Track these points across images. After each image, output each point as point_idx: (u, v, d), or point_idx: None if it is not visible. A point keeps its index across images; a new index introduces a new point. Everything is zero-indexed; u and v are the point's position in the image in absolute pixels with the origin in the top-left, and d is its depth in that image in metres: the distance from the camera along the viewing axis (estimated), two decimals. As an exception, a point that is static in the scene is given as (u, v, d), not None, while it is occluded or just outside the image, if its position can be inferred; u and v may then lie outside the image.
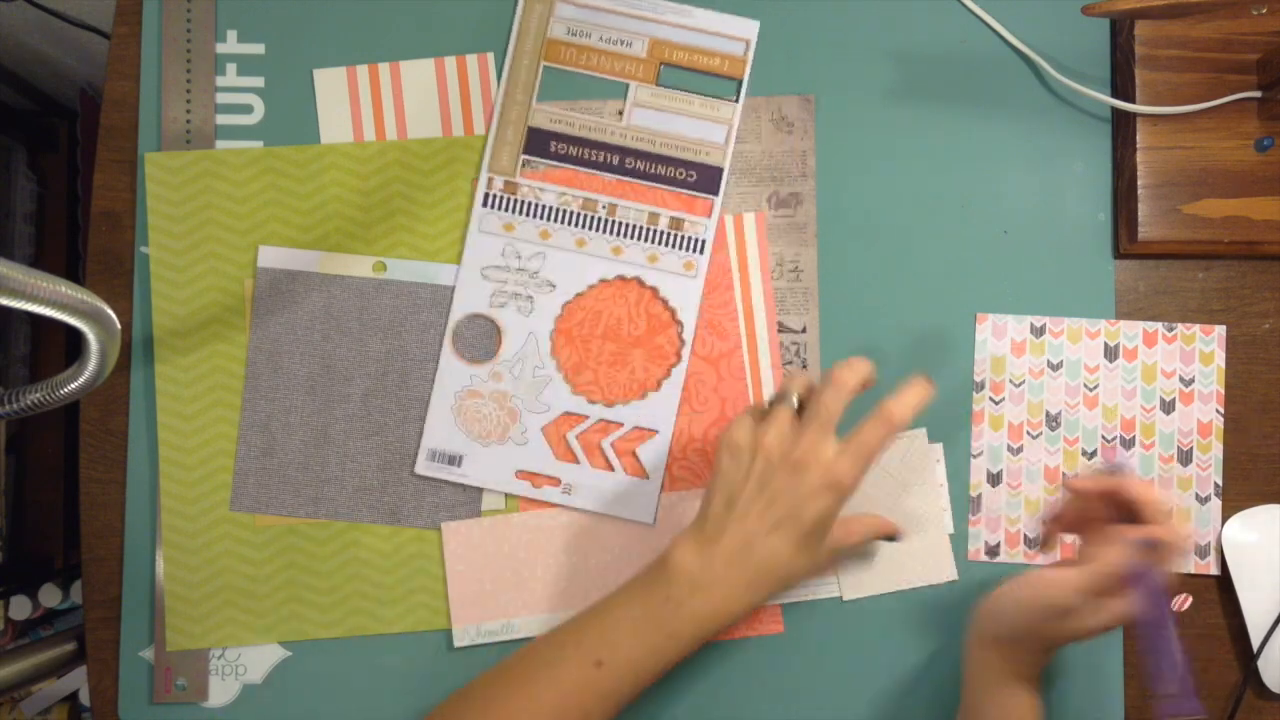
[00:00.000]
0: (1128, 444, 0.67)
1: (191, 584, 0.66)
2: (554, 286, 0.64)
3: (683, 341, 0.63)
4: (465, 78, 0.68)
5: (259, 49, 0.69)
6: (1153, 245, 0.66)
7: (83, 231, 1.12)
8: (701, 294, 0.64)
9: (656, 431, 0.64)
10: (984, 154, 0.68)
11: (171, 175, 0.67)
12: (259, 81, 0.69)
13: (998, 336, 0.67)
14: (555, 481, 0.64)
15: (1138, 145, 0.66)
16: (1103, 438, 0.67)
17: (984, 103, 0.69)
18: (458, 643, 0.65)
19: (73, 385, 0.51)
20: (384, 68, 0.68)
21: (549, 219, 0.65)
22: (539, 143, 0.65)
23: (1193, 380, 0.67)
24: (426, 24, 0.69)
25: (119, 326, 0.50)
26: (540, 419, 0.65)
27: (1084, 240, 0.68)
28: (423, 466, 0.65)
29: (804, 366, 0.67)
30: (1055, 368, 0.67)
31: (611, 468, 0.65)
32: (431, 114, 0.68)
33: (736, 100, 0.65)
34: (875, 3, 0.69)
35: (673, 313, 0.63)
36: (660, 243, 0.65)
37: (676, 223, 0.64)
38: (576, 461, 0.65)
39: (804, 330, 0.67)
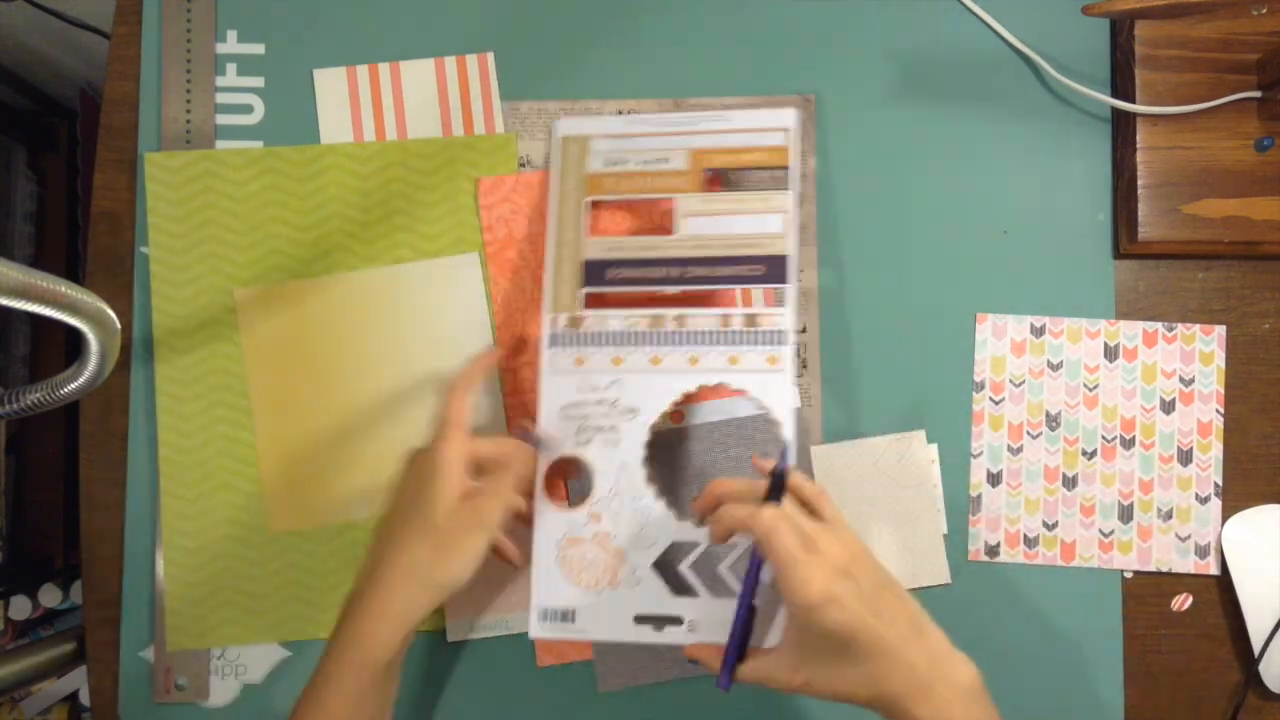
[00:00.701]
0: (1127, 444, 0.67)
1: (191, 584, 0.66)
2: (637, 411, 0.61)
3: (783, 441, 0.59)
4: (465, 78, 0.68)
5: (259, 49, 0.69)
6: (1153, 245, 0.66)
7: (83, 231, 1.12)
8: (792, 388, 0.60)
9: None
10: (984, 154, 0.68)
11: (171, 175, 0.67)
12: (259, 81, 0.69)
13: (998, 336, 0.67)
14: (678, 621, 0.59)
15: (1138, 145, 0.66)
16: (1102, 438, 0.67)
17: (984, 103, 0.69)
18: (451, 637, 0.65)
19: (73, 385, 0.51)
20: (384, 68, 0.68)
21: (619, 344, 0.62)
22: (596, 274, 0.63)
23: (1193, 380, 0.67)
24: (426, 24, 0.69)
25: (119, 326, 0.50)
26: (648, 554, 0.59)
27: (1084, 240, 0.68)
28: (536, 629, 0.60)
29: (804, 367, 0.67)
30: (1055, 368, 0.67)
31: (734, 593, 0.59)
32: (431, 114, 0.68)
33: (788, 188, 0.63)
34: (875, 3, 0.69)
35: (766, 412, 0.60)
36: (738, 343, 0.61)
37: (751, 319, 0.61)
38: (695, 595, 0.59)
39: (804, 330, 0.67)
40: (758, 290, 0.63)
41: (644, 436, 0.61)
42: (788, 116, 0.64)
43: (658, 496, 0.60)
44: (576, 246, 0.64)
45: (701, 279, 0.62)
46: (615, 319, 0.62)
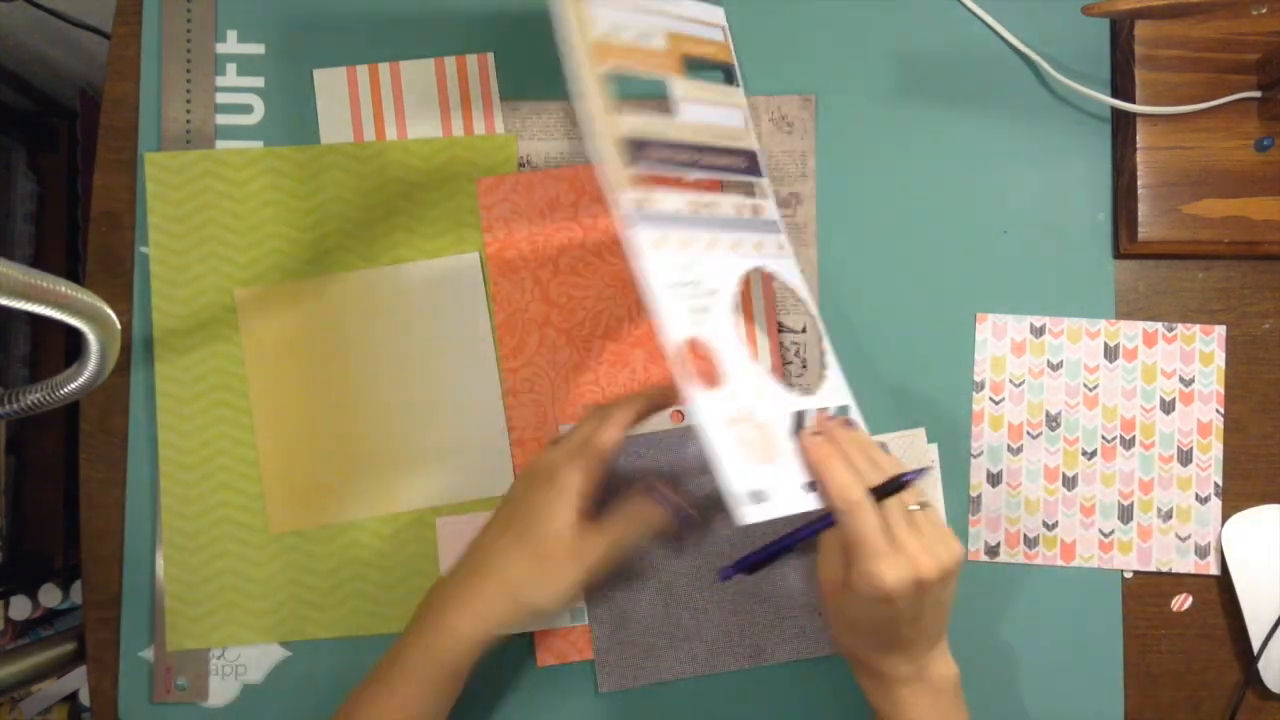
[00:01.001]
0: (1127, 444, 0.67)
1: (191, 584, 0.66)
2: (717, 291, 0.57)
3: (813, 317, 0.62)
4: (465, 78, 0.68)
5: (259, 49, 0.69)
6: (1153, 245, 0.66)
7: (83, 231, 1.12)
8: (799, 270, 0.61)
9: (848, 406, 0.60)
10: (984, 154, 0.68)
11: (171, 175, 0.67)
12: (259, 81, 0.69)
13: (998, 336, 0.67)
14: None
15: (1138, 145, 0.66)
16: (1102, 438, 0.67)
17: (984, 103, 0.69)
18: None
19: (73, 385, 0.51)
20: (384, 68, 0.68)
21: (684, 226, 0.57)
22: (638, 152, 0.57)
23: (1193, 380, 0.67)
24: (426, 24, 0.69)
25: (119, 326, 0.50)
26: (783, 428, 0.56)
27: (1084, 240, 0.68)
28: (751, 514, 0.52)
29: (804, 367, 0.67)
30: (1055, 368, 0.67)
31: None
32: (431, 114, 0.68)
33: (737, 85, 0.64)
34: (875, 3, 0.69)
35: (794, 293, 0.62)
36: (757, 230, 0.61)
37: (757, 209, 0.61)
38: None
39: (804, 330, 0.67)
40: (752, 181, 0.63)
41: (730, 317, 0.56)
42: (717, 13, 0.64)
43: (763, 372, 0.56)
44: (615, 120, 0.57)
45: (709, 166, 0.61)
46: (671, 200, 0.57)
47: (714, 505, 0.62)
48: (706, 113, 0.61)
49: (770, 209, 0.62)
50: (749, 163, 0.62)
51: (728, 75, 0.64)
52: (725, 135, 0.62)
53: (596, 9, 0.59)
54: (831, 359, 0.61)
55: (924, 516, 0.53)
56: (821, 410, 0.58)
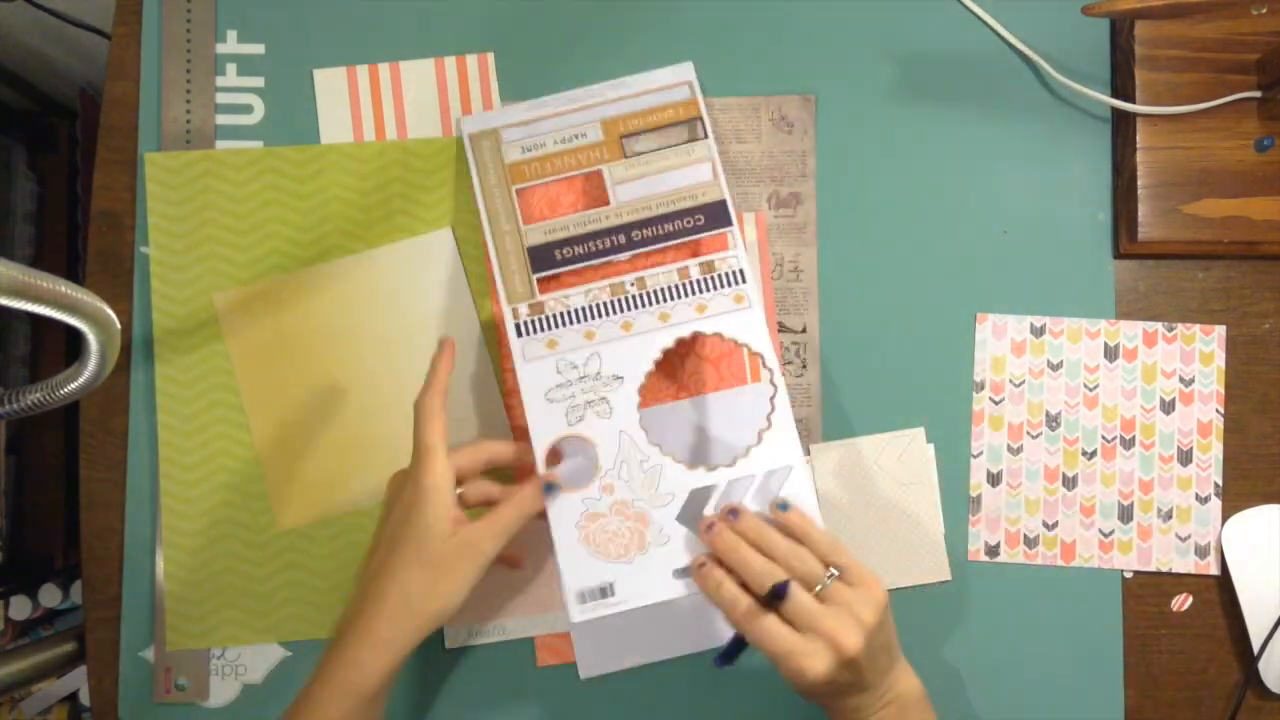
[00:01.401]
0: (1127, 444, 0.67)
1: (191, 584, 0.66)
2: (621, 378, 0.61)
3: (769, 369, 0.61)
4: (465, 78, 0.68)
5: (259, 49, 0.69)
6: (1153, 245, 0.66)
7: (83, 231, 1.12)
8: (764, 319, 0.62)
9: (791, 466, 0.60)
10: (984, 154, 0.68)
11: (171, 175, 0.67)
12: (259, 81, 0.69)
13: (998, 336, 0.67)
14: (718, 561, 0.58)
15: (1138, 145, 0.66)
16: (1102, 438, 0.67)
17: (984, 103, 0.69)
18: (449, 643, 0.65)
19: (73, 385, 0.51)
20: (384, 68, 0.68)
21: (587, 319, 0.62)
22: (543, 259, 0.64)
23: (1193, 380, 0.67)
24: (426, 24, 0.69)
25: (119, 326, 0.50)
26: (670, 510, 0.59)
27: (1084, 240, 0.68)
28: (577, 613, 0.58)
29: (804, 367, 0.67)
30: (1055, 368, 0.67)
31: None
32: (431, 114, 0.68)
33: (705, 136, 0.65)
34: (875, 3, 0.69)
35: (745, 347, 0.61)
36: (702, 290, 0.62)
37: (708, 266, 0.63)
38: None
39: (804, 330, 0.67)
40: (706, 239, 0.64)
41: (635, 400, 0.61)
42: (685, 71, 0.66)
43: (663, 454, 0.60)
44: (516, 237, 0.64)
45: (649, 239, 0.64)
46: (576, 296, 0.63)
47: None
48: (658, 182, 0.65)
49: (735, 259, 0.63)
50: (709, 217, 0.64)
51: (693, 130, 0.65)
52: (683, 196, 0.64)
53: (508, 135, 0.65)
54: (782, 417, 0.60)
55: (835, 588, 0.54)
56: (736, 481, 0.59)
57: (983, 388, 0.67)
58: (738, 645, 0.59)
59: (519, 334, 0.62)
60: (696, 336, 0.62)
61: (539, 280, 0.63)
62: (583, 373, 0.61)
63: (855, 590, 0.54)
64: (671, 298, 0.62)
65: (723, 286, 0.62)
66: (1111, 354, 0.67)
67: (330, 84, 0.68)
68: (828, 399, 0.67)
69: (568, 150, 0.65)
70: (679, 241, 0.64)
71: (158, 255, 0.67)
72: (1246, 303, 0.68)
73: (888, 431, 0.66)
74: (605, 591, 0.58)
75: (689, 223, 0.64)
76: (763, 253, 0.67)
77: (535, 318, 0.62)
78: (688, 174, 0.64)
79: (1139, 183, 0.66)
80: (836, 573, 0.55)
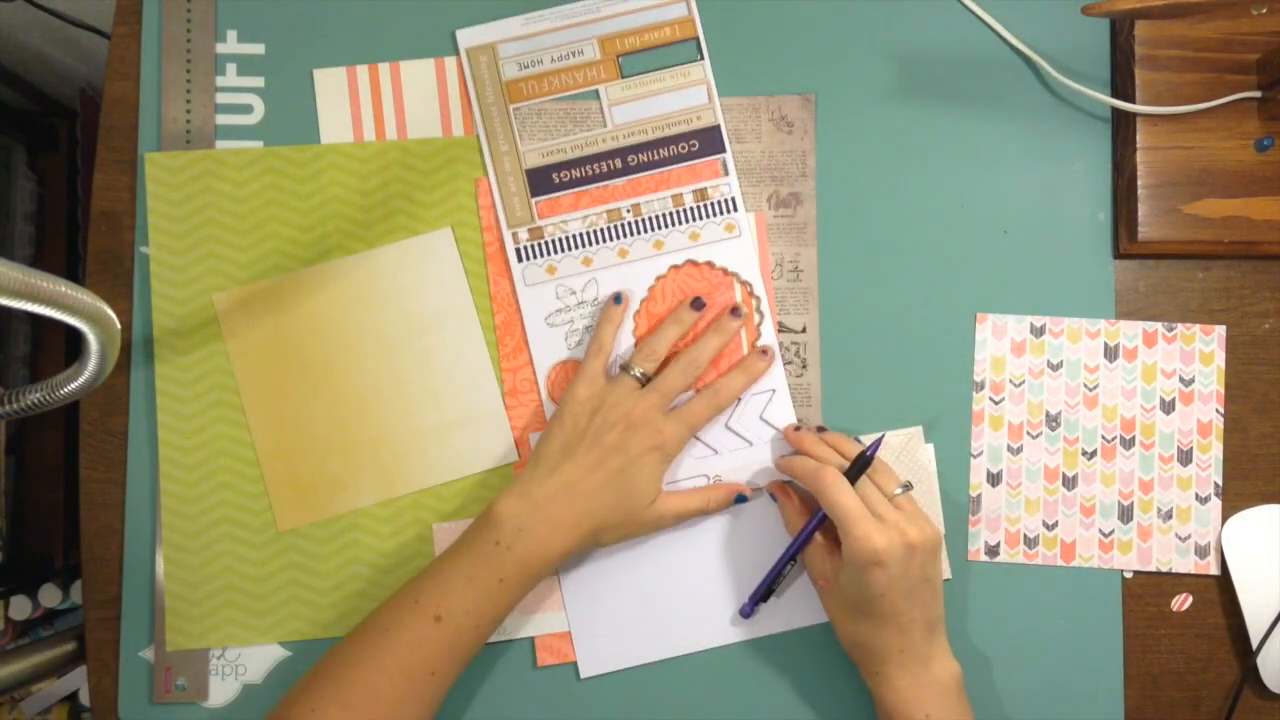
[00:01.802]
0: (1127, 444, 0.67)
1: (191, 584, 0.66)
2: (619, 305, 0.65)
3: (757, 298, 0.64)
4: (465, 78, 0.68)
5: (259, 49, 0.69)
6: (1153, 245, 0.66)
7: (83, 231, 1.12)
8: (756, 247, 0.65)
9: (773, 390, 0.65)
10: (984, 154, 0.68)
11: (171, 175, 0.67)
12: (259, 81, 0.69)
13: (998, 336, 0.67)
14: (704, 477, 0.65)
15: (1138, 145, 0.66)
16: (1102, 438, 0.67)
17: (984, 103, 0.69)
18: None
19: (73, 385, 0.51)
20: (384, 68, 0.68)
21: (584, 245, 0.65)
22: (541, 181, 0.65)
23: (1193, 380, 0.67)
24: (426, 24, 0.69)
25: (119, 326, 0.50)
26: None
27: (1084, 240, 0.68)
28: None
29: (804, 367, 0.67)
30: (1055, 368, 0.67)
31: (750, 442, 0.65)
32: (431, 114, 0.68)
33: (702, 57, 0.66)
34: (875, 3, 0.69)
35: (735, 276, 0.64)
36: (695, 219, 0.65)
37: (701, 194, 0.65)
38: (716, 452, 0.65)
39: (804, 330, 0.67)
40: (699, 164, 0.66)
41: (630, 325, 0.64)
42: None
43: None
44: (515, 158, 0.65)
45: (644, 165, 0.65)
46: (574, 221, 0.65)
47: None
48: (654, 105, 0.66)
49: (727, 186, 0.65)
50: (704, 142, 0.65)
51: (690, 50, 0.66)
52: (678, 120, 0.66)
53: (505, 50, 0.66)
54: (767, 344, 0.65)
55: (905, 499, 0.60)
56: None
57: (983, 388, 0.67)
58: (772, 577, 0.63)
59: (519, 259, 0.65)
60: (688, 264, 0.64)
61: (538, 204, 0.65)
62: (581, 298, 0.65)
63: (920, 511, 0.61)
64: (666, 225, 0.65)
65: (715, 215, 0.65)
66: (1111, 354, 0.67)
67: (330, 84, 0.68)
68: (828, 399, 0.67)
69: (564, 68, 0.66)
70: (674, 167, 0.65)
71: (158, 255, 0.67)
72: (1246, 303, 0.68)
73: (887, 432, 0.66)
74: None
75: (684, 148, 0.66)
76: (763, 253, 0.67)
77: (535, 243, 0.65)
78: (684, 96, 0.66)
79: (1139, 183, 0.66)
80: (909, 487, 0.61)
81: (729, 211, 0.65)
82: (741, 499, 0.64)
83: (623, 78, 0.66)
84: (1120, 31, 0.68)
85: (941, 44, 0.69)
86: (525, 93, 0.66)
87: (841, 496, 0.58)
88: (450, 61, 0.68)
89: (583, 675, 0.65)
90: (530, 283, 0.64)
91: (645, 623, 0.65)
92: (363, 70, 0.68)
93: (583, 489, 0.60)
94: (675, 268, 0.64)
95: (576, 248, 0.65)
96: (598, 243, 0.65)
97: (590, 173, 0.65)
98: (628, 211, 0.65)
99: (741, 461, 0.65)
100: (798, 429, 0.65)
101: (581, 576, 0.65)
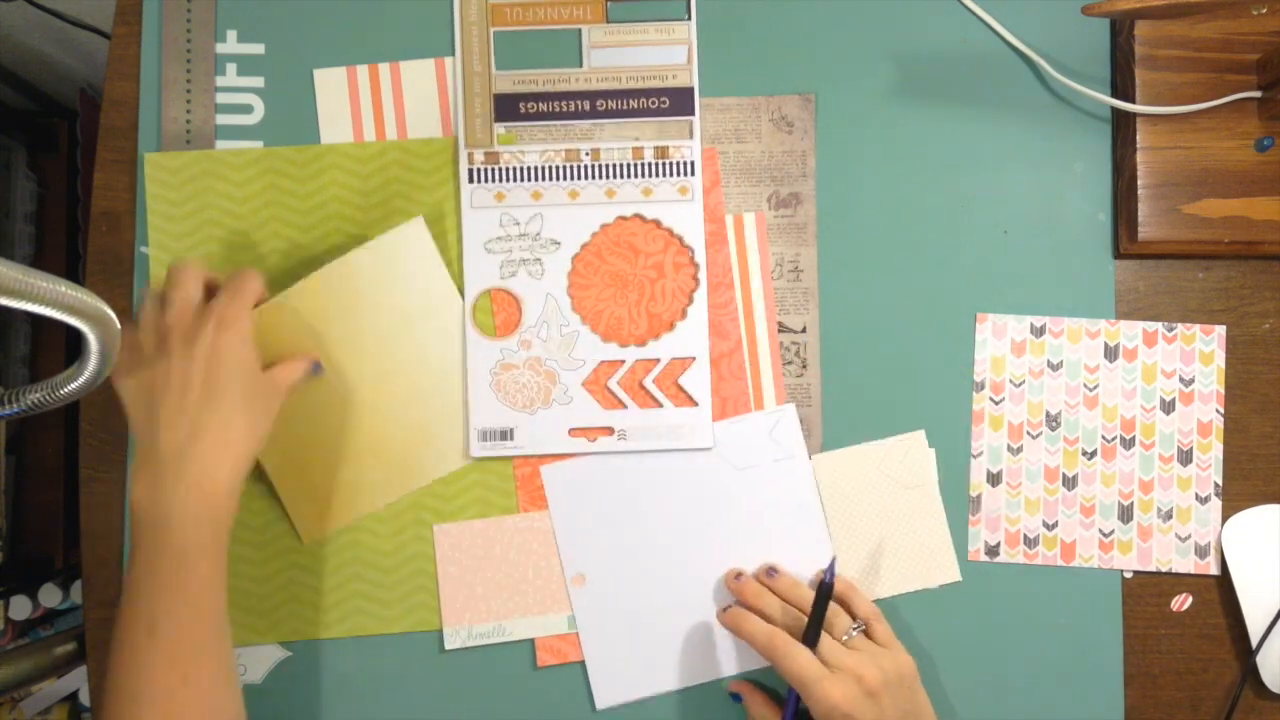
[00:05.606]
0: (1127, 444, 0.67)
1: (191, 584, 0.66)
2: (559, 244, 0.65)
3: (696, 265, 0.64)
4: None
5: (259, 49, 0.69)
6: (1153, 245, 0.66)
7: (83, 231, 1.12)
8: (703, 215, 0.65)
9: (694, 358, 0.65)
10: (984, 154, 0.68)
11: (171, 175, 0.67)
12: (259, 81, 0.69)
13: (998, 336, 0.67)
14: (609, 431, 0.65)
15: (1138, 145, 0.66)
16: (1102, 438, 0.67)
17: (984, 103, 0.69)
18: (449, 644, 0.65)
19: (73, 385, 0.51)
20: (384, 68, 0.68)
21: (537, 179, 0.65)
22: (508, 107, 0.66)
23: (1193, 380, 0.67)
24: (426, 24, 0.69)
25: (119, 326, 0.50)
26: (578, 375, 0.65)
27: (1084, 240, 0.68)
28: (477, 449, 0.65)
29: (804, 367, 0.67)
30: (1055, 368, 0.67)
31: (660, 404, 0.65)
32: (431, 114, 0.68)
33: (689, 17, 0.66)
34: (875, 3, 0.69)
35: (679, 239, 0.64)
36: (651, 175, 0.65)
37: (661, 150, 0.65)
38: (624, 406, 0.65)
39: (804, 330, 0.67)
40: (664, 122, 0.66)
41: (567, 267, 0.64)
42: None
43: (583, 321, 0.64)
44: (486, 80, 0.65)
45: (611, 112, 0.65)
46: (532, 153, 0.65)
47: None
48: (632, 54, 0.66)
49: (689, 149, 0.65)
50: (675, 101, 0.66)
51: (680, 8, 0.66)
52: (653, 74, 0.66)
53: None
54: (698, 310, 0.65)
55: (859, 640, 0.60)
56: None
57: (983, 388, 0.67)
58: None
59: (470, 179, 0.65)
60: (636, 218, 0.65)
61: (499, 130, 0.65)
62: (523, 230, 0.65)
63: (882, 646, 0.60)
64: (621, 175, 0.65)
65: (671, 175, 0.65)
66: (1111, 354, 0.67)
67: (330, 84, 0.68)
68: (828, 399, 0.67)
69: (552, 1, 0.66)
70: (640, 120, 0.65)
71: (158, 255, 0.67)
72: (1246, 303, 0.68)
73: (887, 431, 0.66)
74: (505, 435, 0.64)
75: (654, 103, 0.66)
76: (763, 253, 0.67)
77: (490, 166, 0.65)
78: (664, 52, 0.66)
79: (1139, 183, 0.66)
80: (863, 626, 0.60)
81: (686, 175, 0.65)
82: (317, 368, 0.64)
83: (608, 22, 0.66)
84: (1120, 31, 0.68)
85: (942, 44, 0.69)
86: (509, 18, 0.66)
87: (793, 663, 0.56)
88: (450, 61, 0.68)
89: (599, 707, 0.65)
90: (476, 205, 0.65)
91: (660, 652, 0.65)
92: (363, 70, 0.68)
93: (209, 415, 0.57)
94: (623, 219, 0.65)
95: (529, 180, 0.65)
96: (551, 179, 0.65)
97: (557, 109, 0.66)
98: (586, 154, 0.65)
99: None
100: (738, 577, 0.64)
101: (596, 608, 0.65)
